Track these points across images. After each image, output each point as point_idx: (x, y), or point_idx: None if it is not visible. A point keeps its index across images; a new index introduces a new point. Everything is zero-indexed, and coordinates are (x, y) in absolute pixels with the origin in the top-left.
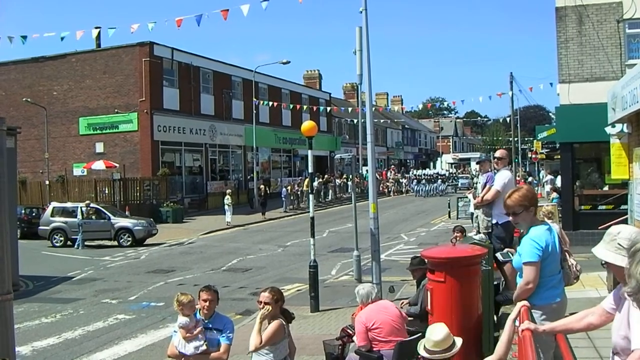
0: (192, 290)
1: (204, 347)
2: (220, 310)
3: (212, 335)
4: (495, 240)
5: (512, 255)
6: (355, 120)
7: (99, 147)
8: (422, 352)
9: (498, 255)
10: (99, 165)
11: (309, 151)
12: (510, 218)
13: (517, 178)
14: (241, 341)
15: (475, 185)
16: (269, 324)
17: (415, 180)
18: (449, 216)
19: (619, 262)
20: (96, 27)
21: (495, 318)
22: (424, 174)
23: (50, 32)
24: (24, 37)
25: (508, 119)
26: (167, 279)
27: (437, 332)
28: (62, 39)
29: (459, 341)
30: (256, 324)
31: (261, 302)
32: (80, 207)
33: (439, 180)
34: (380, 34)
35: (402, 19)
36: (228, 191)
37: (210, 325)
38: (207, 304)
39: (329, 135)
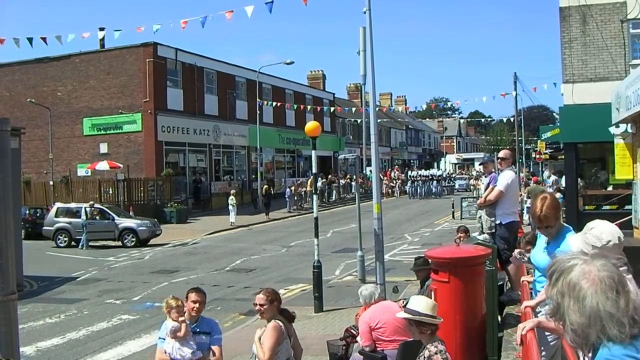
0: None
1: (200, 353)
2: (224, 310)
3: (201, 340)
4: (498, 241)
5: (522, 255)
6: (359, 121)
7: (103, 148)
8: (403, 314)
9: (516, 252)
10: (103, 165)
11: (313, 151)
12: (540, 230)
13: (521, 175)
14: (245, 341)
15: (474, 185)
16: (267, 322)
17: (410, 182)
18: (453, 216)
19: None
20: (101, 29)
21: (499, 318)
22: (420, 175)
23: (53, 33)
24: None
25: (512, 119)
26: (171, 279)
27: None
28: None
29: (439, 319)
30: (255, 344)
31: (256, 304)
32: (85, 208)
33: (434, 182)
34: (384, 34)
35: (405, 19)
36: (232, 191)
37: (198, 329)
38: (197, 305)
39: (333, 136)
